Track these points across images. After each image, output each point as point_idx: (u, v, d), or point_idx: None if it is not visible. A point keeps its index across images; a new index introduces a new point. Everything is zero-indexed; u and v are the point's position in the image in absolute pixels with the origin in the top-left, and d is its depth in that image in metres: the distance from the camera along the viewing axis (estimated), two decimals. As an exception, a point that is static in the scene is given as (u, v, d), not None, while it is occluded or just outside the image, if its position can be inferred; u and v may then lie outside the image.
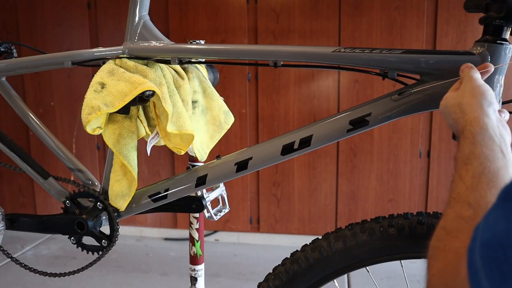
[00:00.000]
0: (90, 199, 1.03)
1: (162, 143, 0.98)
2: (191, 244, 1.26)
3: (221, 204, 1.16)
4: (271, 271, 0.91)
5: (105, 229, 1.03)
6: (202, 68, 1.04)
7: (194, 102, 0.98)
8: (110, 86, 0.85)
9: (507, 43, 0.68)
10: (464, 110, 0.59)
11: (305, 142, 0.83)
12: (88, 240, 1.03)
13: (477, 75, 0.63)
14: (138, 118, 0.95)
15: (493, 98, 0.60)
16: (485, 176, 0.51)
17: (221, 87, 2.32)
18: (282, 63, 0.83)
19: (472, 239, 0.39)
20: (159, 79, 0.88)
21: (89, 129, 0.87)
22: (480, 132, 0.55)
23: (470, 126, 0.57)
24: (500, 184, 0.50)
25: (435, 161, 2.27)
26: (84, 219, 1.00)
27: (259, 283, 0.92)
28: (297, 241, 2.41)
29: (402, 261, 0.83)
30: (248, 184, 2.43)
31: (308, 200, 2.39)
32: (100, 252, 1.03)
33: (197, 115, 1.00)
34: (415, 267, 1.66)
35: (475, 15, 0.73)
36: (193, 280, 1.28)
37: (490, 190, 0.49)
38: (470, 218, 0.47)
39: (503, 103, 0.72)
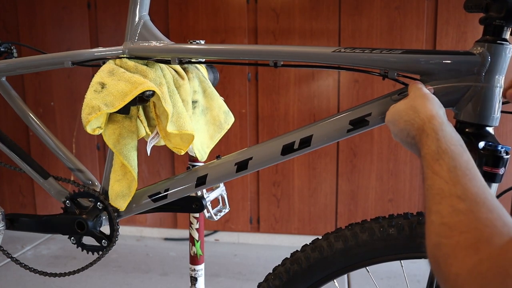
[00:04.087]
0: (90, 199, 1.03)
1: (162, 143, 0.98)
2: (191, 244, 1.26)
3: (221, 204, 1.17)
4: (271, 271, 0.91)
5: (105, 229, 1.03)
6: (202, 68, 1.04)
7: (194, 102, 0.98)
8: (110, 86, 0.85)
9: (507, 43, 0.68)
10: (418, 110, 0.62)
11: (305, 142, 0.83)
12: (88, 240, 1.03)
13: (424, 87, 0.69)
14: (138, 118, 0.95)
15: (440, 103, 0.65)
16: (459, 169, 0.51)
17: (221, 87, 2.32)
18: (282, 63, 0.83)
19: None
20: (159, 79, 0.88)
21: (89, 129, 0.87)
22: (440, 128, 0.57)
23: (429, 123, 0.58)
24: (473, 176, 0.50)
25: (435, 161, 2.26)
26: (84, 219, 1.00)
27: (259, 283, 0.92)
28: (297, 241, 2.42)
29: (402, 261, 0.83)
30: (248, 184, 2.43)
31: (308, 200, 2.39)
32: (100, 252, 1.03)
33: (197, 115, 1.00)
34: (415, 267, 1.66)
35: (475, 15, 0.73)
36: (193, 280, 1.28)
37: (470, 182, 0.49)
38: (467, 211, 0.46)
39: (503, 103, 0.72)
